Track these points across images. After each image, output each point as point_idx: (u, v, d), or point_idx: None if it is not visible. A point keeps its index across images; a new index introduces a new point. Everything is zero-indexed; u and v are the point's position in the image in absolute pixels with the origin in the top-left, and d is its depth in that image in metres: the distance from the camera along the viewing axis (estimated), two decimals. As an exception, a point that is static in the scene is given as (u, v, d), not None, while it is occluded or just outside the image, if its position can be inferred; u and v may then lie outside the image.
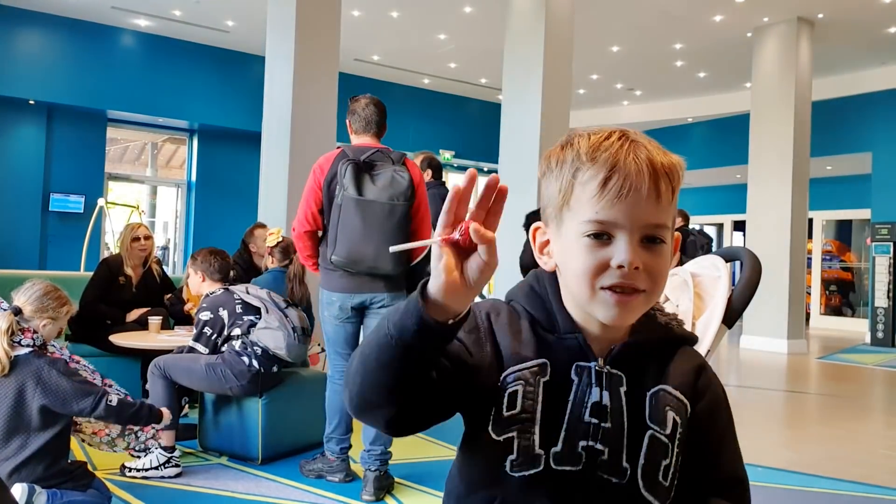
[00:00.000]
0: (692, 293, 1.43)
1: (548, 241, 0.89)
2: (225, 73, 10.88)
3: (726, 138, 12.80)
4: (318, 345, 5.29)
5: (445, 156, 12.57)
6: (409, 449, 3.75)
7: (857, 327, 12.74)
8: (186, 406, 3.91)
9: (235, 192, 10.95)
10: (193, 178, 11.45)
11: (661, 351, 0.90)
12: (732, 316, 1.33)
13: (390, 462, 3.21)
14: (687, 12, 8.90)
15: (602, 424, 0.84)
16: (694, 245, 7.00)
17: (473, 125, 13.33)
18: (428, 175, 4.99)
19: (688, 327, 1.42)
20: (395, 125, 12.80)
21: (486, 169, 14.30)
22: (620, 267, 0.79)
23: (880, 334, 10.72)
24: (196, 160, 11.44)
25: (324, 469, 3.27)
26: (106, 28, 10.00)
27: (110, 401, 2.50)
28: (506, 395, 0.84)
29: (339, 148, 3.25)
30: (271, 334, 3.37)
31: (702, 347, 1.33)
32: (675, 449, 0.86)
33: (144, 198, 12.41)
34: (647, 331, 0.90)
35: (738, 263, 1.54)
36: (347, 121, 3.33)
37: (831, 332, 12.42)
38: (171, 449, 3.25)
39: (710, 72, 11.35)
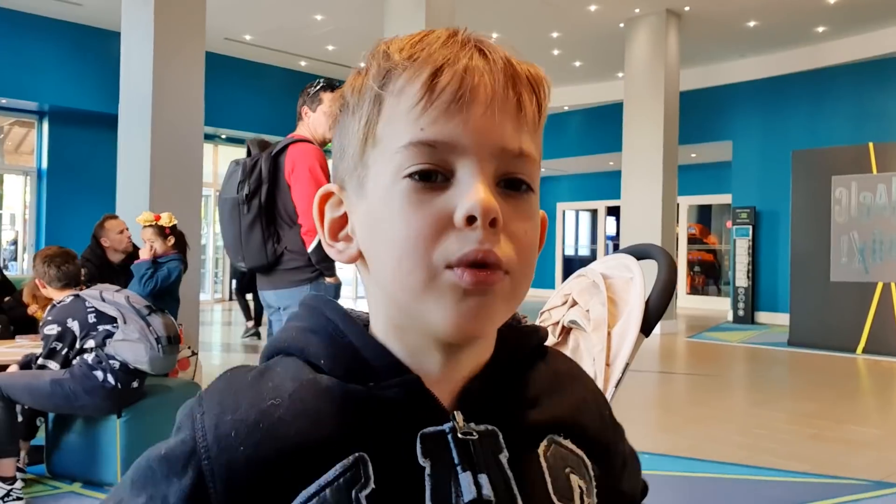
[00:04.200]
0: (604, 297, 1.30)
1: (344, 218, 0.54)
2: (78, 51, 9.94)
3: (601, 126, 13.19)
4: (189, 348, 4.89)
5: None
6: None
7: (719, 306, 13.55)
8: (42, 426, 3.37)
9: (92, 180, 10.04)
10: (44, 165, 10.42)
11: (523, 373, 0.56)
12: (650, 322, 1.20)
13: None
14: (563, 1, 9.00)
15: None
16: None
17: (353, 110, 12.96)
18: None
19: (602, 337, 1.27)
20: (272, 110, 12.27)
21: (366, 155, 14.02)
22: (471, 220, 0.46)
23: (741, 312, 11.43)
24: (47, 145, 10.42)
25: None
26: (-67, -5, 8.85)
27: None
28: None
29: None
30: (130, 347, 2.97)
31: (619, 361, 1.19)
32: None
33: (-12, 187, 11.23)
34: (507, 340, 0.55)
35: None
36: None
37: (696, 311, 13.14)
38: (10, 480, 2.82)
39: (585, 61, 11.60)
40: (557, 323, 1.38)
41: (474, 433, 0.49)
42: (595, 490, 0.54)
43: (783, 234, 10.71)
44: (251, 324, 8.43)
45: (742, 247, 11.60)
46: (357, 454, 0.47)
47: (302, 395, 0.49)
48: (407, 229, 0.47)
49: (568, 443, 0.54)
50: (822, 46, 10.51)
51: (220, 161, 12.78)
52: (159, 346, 3.03)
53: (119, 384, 2.98)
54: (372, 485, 0.47)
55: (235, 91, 11.24)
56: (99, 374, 2.95)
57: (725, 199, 13.01)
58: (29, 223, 10.57)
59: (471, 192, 0.47)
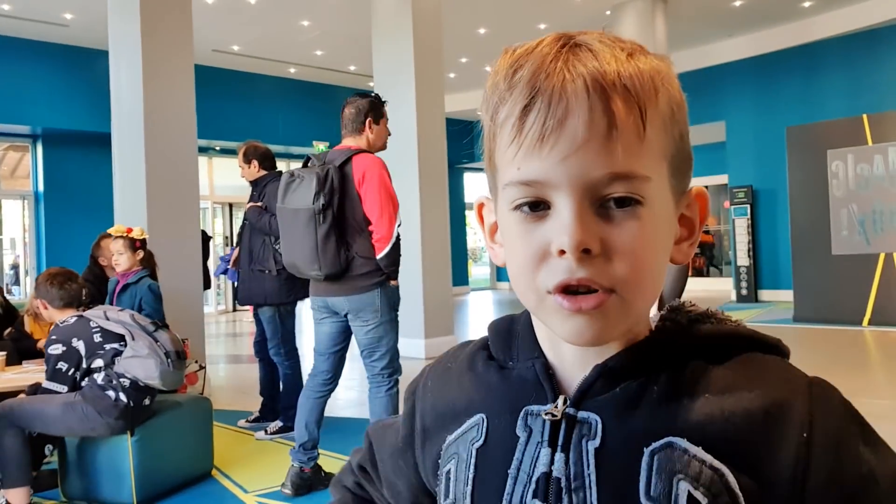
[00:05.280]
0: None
1: (497, 224, 0.59)
2: (67, 71, 9.93)
3: (593, 115, 13.16)
4: (196, 362, 4.88)
5: (320, 147, 12.08)
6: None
7: (723, 286, 13.55)
8: (51, 455, 3.27)
9: (90, 200, 10.04)
10: (41, 187, 10.42)
11: (682, 372, 0.54)
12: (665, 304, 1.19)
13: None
14: (549, -9, 8.99)
15: None
16: None
17: (345, 114, 12.95)
18: (255, 168, 4.31)
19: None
20: (264, 118, 12.23)
21: (361, 158, 13.99)
22: (562, 253, 0.50)
23: (744, 291, 11.43)
24: (42, 168, 10.41)
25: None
26: (-82, 25, 8.83)
27: None
28: (442, 479, 0.61)
29: None
30: (141, 363, 2.96)
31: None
32: None
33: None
34: (659, 335, 0.56)
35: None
36: None
37: (700, 293, 13.13)
38: (26, 507, 2.82)
39: (574, 50, 11.58)
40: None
41: (559, 416, 0.54)
42: None
43: (782, 211, 10.70)
44: None
45: (741, 226, 11.60)
46: (481, 415, 0.59)
47: (462, 365, 0.64)
48: (517, 256, 0.53)
49: (698, 451, 0.50)
50: (809, 21, 10.49)
51: (215, 173, 12.76)
52: (169, 360, 3.03)
53: (131, 402, 2.97)
54: (482, 441, 0.58)
55: (227, 102, 11.23)
56: (111, 393, 2.93)
57: (722, 179, 12.99)
58: (29, 247, 10.57)
59: (562, 225, 0.50)
